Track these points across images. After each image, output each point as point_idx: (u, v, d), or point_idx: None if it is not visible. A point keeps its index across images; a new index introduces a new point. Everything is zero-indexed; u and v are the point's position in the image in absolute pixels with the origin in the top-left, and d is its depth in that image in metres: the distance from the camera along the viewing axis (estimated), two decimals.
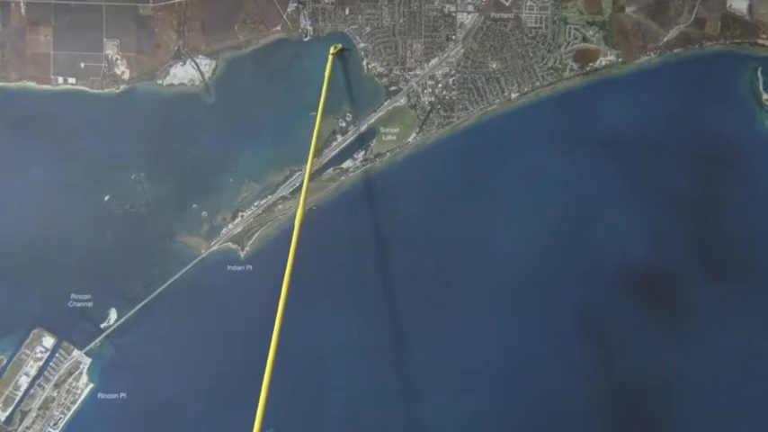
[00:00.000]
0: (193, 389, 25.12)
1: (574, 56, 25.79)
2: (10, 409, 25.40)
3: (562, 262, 25.25)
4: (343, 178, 26.04)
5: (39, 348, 25.50)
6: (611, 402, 24.80)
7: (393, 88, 26.00)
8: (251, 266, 25.76)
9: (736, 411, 24.68)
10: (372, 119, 26.02)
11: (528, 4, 25.66)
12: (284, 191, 26.00)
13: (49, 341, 25.49)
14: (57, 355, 25.51)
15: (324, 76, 24.80)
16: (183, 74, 25.95)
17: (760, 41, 25.31)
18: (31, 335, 25.49)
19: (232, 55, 25.96)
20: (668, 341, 24.87)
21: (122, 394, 25.20)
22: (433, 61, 25.92)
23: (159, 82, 25.97)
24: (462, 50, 25.89)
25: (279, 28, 25.92)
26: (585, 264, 25.19)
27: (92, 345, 25.54)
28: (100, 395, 25.39)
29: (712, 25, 25.47)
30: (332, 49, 25.36)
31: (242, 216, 25.94)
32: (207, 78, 25.95)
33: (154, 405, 25.11)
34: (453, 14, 25.79)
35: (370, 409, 25.09)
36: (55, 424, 25.46)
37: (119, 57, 25.95)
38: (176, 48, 25.96)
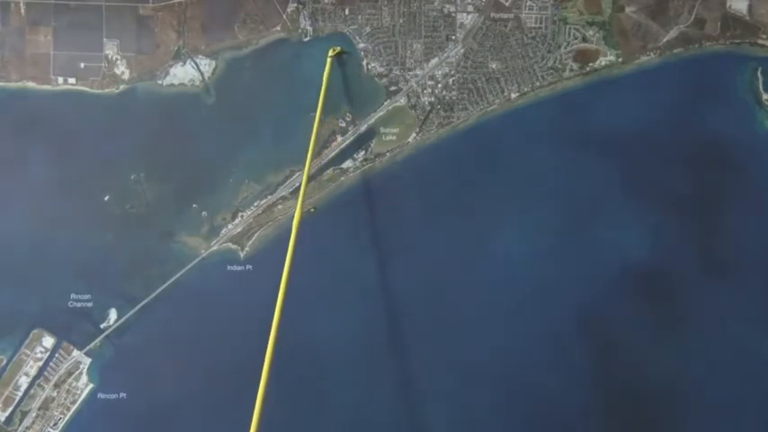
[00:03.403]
0: (193, 389, 25.12)
1: (574, 56, 25.79)
2: (10, 410, 25.40)
3: (562, 262, 25.24)
4: (343, 178, 26.04)
5: (39, 348, 25.50)
6: (612, 403, 24.80)
7: (393, 88, 26.00)
8: (251, 266, 25.76)
9: (737, 411, 24.67)
10: (372, 119, 26.02)
11: (528, 4, 25.66)
12: (284, 191, 26.00)
13: (48, 341, 25.49)
14: (57, 355, 25.52)
15: (322, 79, 24.82)
16: (183, 74, 25.95)
17: (760, 41, 25.31)
18: (31, 335, 25.49)
19: (232, 55, 25.96)
20: (668, 341, 24.86)
21: (122, 394, 25.20)
22: (433, 61, 25.92)
23: (159, 82, 25.97)
24: (462, 50, 25.88)
25: (279, 28, 25.92)
26: (585, 264, 25.17)
27: (92, 345, 25.54)
28: (100, 395, 25.39)
29: (712, 25, 25.47)
30: (330, 52, 25.34)
31: (242, 216, 25.95)
32: (207, 78, 25.94)
33: (154, 405, 25.10)
34: (453, 14, 25.78)
35: (370, 409, 25.09)
36: (55, 424, 25.46)
37: (119, 57, 25.94)
38: (176, 48, 25.96)
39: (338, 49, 25.55)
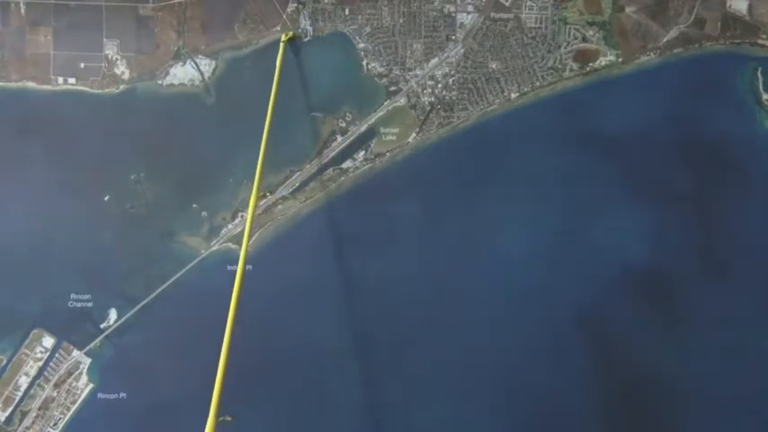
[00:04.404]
0: (193, 389, 25.05)
1: (574, 56, 25.79)
2: (10, 410, 25.39)
3: (562, 262, 25.24)
4: (343, 178, 26.04)
5: (39, 348, 25.49)
6: (612, 403, 24.81)
7: (393, 88, 25.99)
8: (251, 266, 25.69)
9: (737, 411, 24.67)
10: (372, 119, 26.01)
11: (528, 4, 25.65)
12: (284, 191, 26.00)
13: (48, 341, 25.48)
14: (56, 355, 25.51)
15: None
16: (183, 74, 25.94)
17: (760, 41, 25.31)
18: (31, 335, 25.48)
19: (232, 55, 25.96)
20: (668, 341, 24.86)
21: (122, 394, 25.20)
22: (433, 61, 25.92)
23: (159, 82, 25.96)
24: (462, 50, 25.88)
25: (279, 28, 25.91)
26: (585, 264, 25.17)
27: (92, 345, 25.53)
28: (100, 395, 25.39)
29: (712, 25, 25.47)
30: (283, 37, 25.24)
31: (242, 216, 25.94)
32: (207, 78, 25.94)
33: (154, 405, 25.10)
34: (453, 14, 25.77)
35: (369, 409, 25.09)
36: (55, 424, 25.46)
37: (119, 57, 25.94)
38: (176, 48, 25.95)
39: (290, 33, 25.44)
